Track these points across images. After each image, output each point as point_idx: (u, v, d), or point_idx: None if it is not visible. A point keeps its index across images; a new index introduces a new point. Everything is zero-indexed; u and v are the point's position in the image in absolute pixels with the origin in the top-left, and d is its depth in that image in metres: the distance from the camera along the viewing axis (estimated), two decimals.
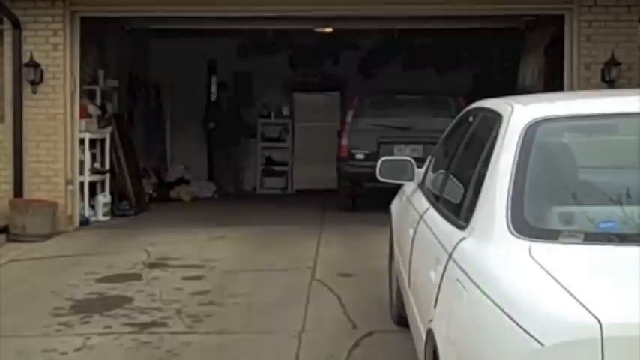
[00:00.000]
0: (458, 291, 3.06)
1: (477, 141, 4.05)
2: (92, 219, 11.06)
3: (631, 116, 3.54)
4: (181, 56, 14.64)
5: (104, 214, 11.32)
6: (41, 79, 10.12)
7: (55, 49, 10.17)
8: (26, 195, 10.11)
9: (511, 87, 13.11)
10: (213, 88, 15.45)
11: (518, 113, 3.54)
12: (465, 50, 15.32)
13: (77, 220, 10.62)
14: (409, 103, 12.25)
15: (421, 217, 4.51)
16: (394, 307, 5.86)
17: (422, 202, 4.76)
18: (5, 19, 10.10)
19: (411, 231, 4.65)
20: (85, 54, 10.87)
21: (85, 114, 10.87)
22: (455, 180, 4.18)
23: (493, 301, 2.69)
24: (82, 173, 10.85)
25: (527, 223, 3.01)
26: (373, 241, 8.52)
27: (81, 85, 10.74)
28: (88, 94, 11.43)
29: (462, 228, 3.42)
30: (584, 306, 2.38)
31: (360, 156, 11.65)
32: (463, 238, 3.32)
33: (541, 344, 2.37)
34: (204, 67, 15.43)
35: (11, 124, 10.12)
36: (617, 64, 10.01)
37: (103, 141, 11.66)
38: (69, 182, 10.37)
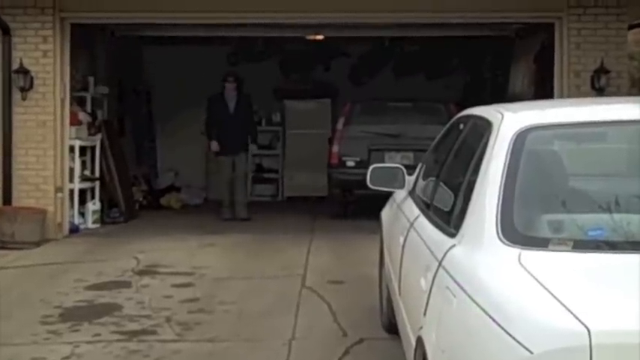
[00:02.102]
0: (448, 298, 3.06)
1: (467, 148, 4.05)
2: (82, 226, 11.01)
3: (620, 124, 3.55)
4: (171, 63, 14.61)
5: (94, 222, 11.28)
6: (31, 86, 10.08)
7: (45, 55, 10.14)
8: (15, 202, 10.06)
9: (501, 94, 13.14)
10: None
11: (508, 121, 3.54)
12: (455, 58, 15.35)
13: (66, 227, 10.57)
14: (400, 111, 12.25)
15: (411, 224, 4.50)
16: (384, 314, 5.85)
17: (412, 210, 4.76)
18: None
19: (402, 238, 4.64)
20: (74, 61, 10.84)
21: (75, 121, 10.84)
22: (445, 187, 4.18)
23: (482, 309, 2.68)
24: (71, 180, 10.80)
25: (517, 231, 3.01)
26: (363, 249, 8.51)
27: (71, 91, 10.70)
28: (78, 101, 11.39)
29: (452, 235, 3.42)
30: (572, 314, 2.38)
31: (350, 163, 11.64)
32: (453, 246, 3.32)
33: (530, 352, 2.36)
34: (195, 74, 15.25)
35: (0, 131, 10.08)
36: (607, 71, 10.04)
37: (93, 148, 11.62)
38: (58, 189, 10.33)
